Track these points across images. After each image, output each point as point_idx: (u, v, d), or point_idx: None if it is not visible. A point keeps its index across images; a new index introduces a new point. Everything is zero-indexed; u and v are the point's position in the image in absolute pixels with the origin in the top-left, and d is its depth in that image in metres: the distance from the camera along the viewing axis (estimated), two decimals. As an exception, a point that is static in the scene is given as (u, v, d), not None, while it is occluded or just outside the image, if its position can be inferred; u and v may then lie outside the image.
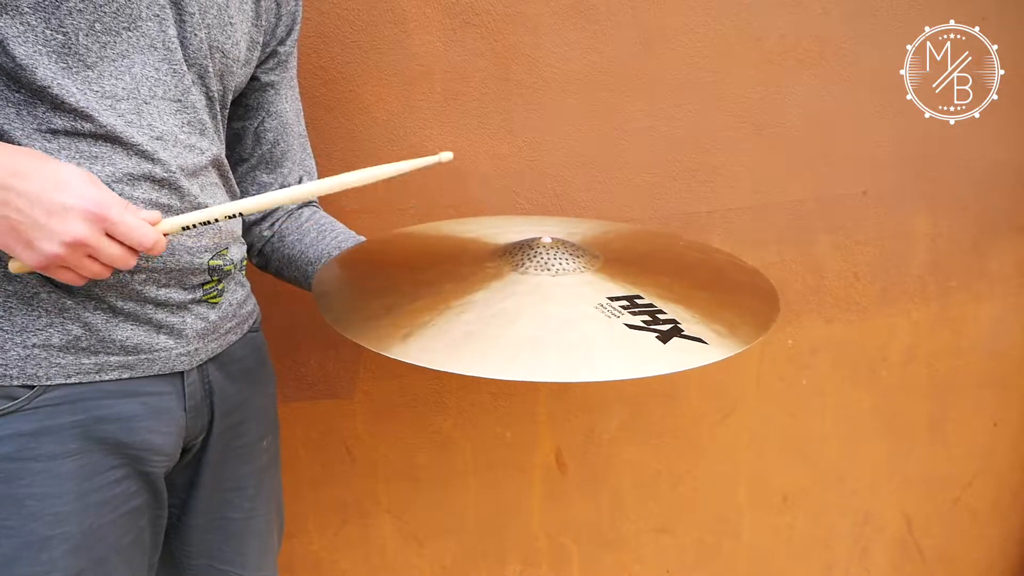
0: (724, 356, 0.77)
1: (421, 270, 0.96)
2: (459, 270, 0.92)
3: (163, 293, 0.86)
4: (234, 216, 0.81)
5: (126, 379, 0.85)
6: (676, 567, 1.61)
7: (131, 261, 0.76)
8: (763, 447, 1.58)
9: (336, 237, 1.05)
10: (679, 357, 0.75)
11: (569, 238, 0.96)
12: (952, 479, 1.68)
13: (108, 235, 0.73)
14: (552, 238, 0.92)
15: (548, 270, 0.88)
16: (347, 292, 0.93)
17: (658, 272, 0.97)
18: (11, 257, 0.75)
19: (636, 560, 1.60)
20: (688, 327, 0.80)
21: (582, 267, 0.89)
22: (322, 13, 1.24)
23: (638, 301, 0.83)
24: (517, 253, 0.91)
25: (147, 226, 0.75)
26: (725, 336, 0.80)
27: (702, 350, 0.77)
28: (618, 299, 0.83)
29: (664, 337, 0.77)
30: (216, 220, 0.81)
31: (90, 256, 0.73)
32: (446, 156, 0.83)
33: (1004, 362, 1.63)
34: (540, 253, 0.90)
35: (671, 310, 0.82)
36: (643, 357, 0.75)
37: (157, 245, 0.76)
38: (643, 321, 0.79)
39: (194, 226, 0.80)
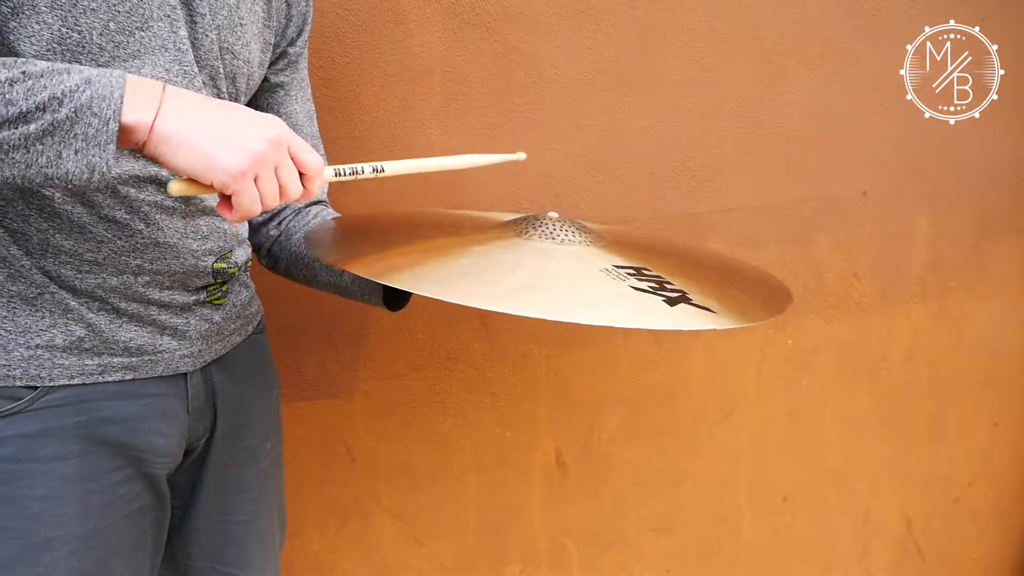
0: (732, 325, 0.74)
1: (420, 228, 0.94)
2: (459, 231, 0.90)
3: (166, 295, 0.86)
4: (378, 171, 0.82)
5: (129, 380, 0.85)
6: (676, 567, 1.61)
7: (299, 188, 0.75)
8: (763, 447, 1.58)
9: None
10: (686, 319, 0.72)
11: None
12: (952, 479, 1.68)
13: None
14: (558, 214, 0.89)
15: (553, 239, 0.85)
16: (339, 236, 0.92)
17: (667, 256, 0.94)
18: (173, 176, 0.72)
19: (636, 560, 1.59)
20: (697, 298, 0.76)
21: (588, 241, 0.86)
22: (322, 13, 1.24)
23: (645, 272, 0.80)
24: (521, 223, 0.88)
25: (315, 152, 0.76)
26: (734, 311, 0.77)
27: (710, 317, 0.73)
28: (625, 267, 0.80)
29: (671, 302, 0.74)
30: (363, 172, 0.81)
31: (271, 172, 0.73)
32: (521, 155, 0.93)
33: (1004, 362, 1.63)
34: (546, 224, 0.87)
35: (679, 283, 0.79)
36: (647, 312, 0.71)
37: (317, 175, 0.76)
38: (650, 287, 0.76)
39: (342, 175, 0.80)
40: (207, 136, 0.68)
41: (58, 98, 0.64)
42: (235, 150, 0.68)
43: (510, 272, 0.76)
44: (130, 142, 0.68)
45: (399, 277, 0.74)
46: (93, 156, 0.65)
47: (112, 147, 0.65)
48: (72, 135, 0.64)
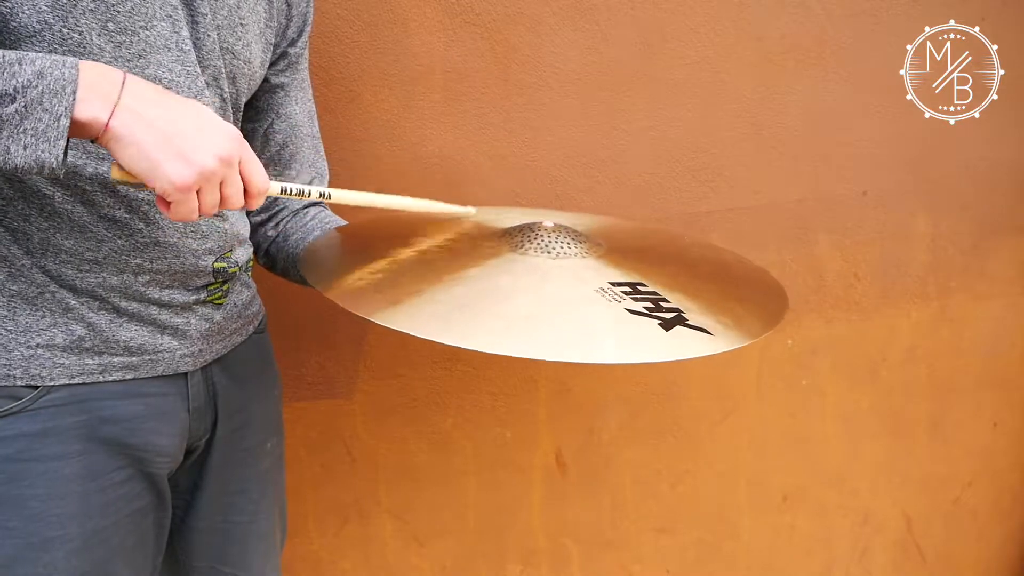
0: (728, 348, 0.74)
1: (417, 244, 0.93)
2: (456, 246, 0.89)
3: (167, 294, 0.86)
4: (324, 196, 0.83)
5: (129, 380, 0.85)
6: (676, 567, 1.61)
7: (240, 203, 0.74)
8: (763, 447, 1.58)
9: None
10: (681, 345, 0.72)
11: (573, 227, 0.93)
12: (952, 479, 1.68)
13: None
14: (554, 223, 0.88)
15: (548, 253, 0.84)
16: (337, 259, 0.91)
17: (663, 263, 0.93)
18: (113, 162, 0.72)
19: (636, 560, 1.59)
20: (692, 317, 0.76)
21: (584, 252, 0.85)
22: (322, 13, 1.24)
23: (641, 288, 0.80)
24: (517, 235, 0.87)
25: (263, 169, 0.75)
26: (731, 328, 0.77)
27: (706, 340, 0.73)
28: (620, 284, 0.79)
29: (667, 325, 0.74)
30: (310, 195, 0.81)
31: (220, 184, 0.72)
32: (472, 210, 0.95)
33: (1004, 362, 1.63)
34: (541, 236, 0.86)
35: (675, 299, 0.78)
36: (644, 343, 0.71)
37: (261, 194, 0.75)
38: (645, 308, 0.76)
39: (289, 193, 0.81)
40: (160, 142, 0.67)
41: (10, 95, 0.63)
42: (184, 163, 0.68)
43: (507, 301, 0.75)
44: (84, 135, 0.67)
45: (400, 316, 0.74)
46: (42, 152, 0.64)
47: (63, 143, 0.64)
48: (21, 130, 0.63)
